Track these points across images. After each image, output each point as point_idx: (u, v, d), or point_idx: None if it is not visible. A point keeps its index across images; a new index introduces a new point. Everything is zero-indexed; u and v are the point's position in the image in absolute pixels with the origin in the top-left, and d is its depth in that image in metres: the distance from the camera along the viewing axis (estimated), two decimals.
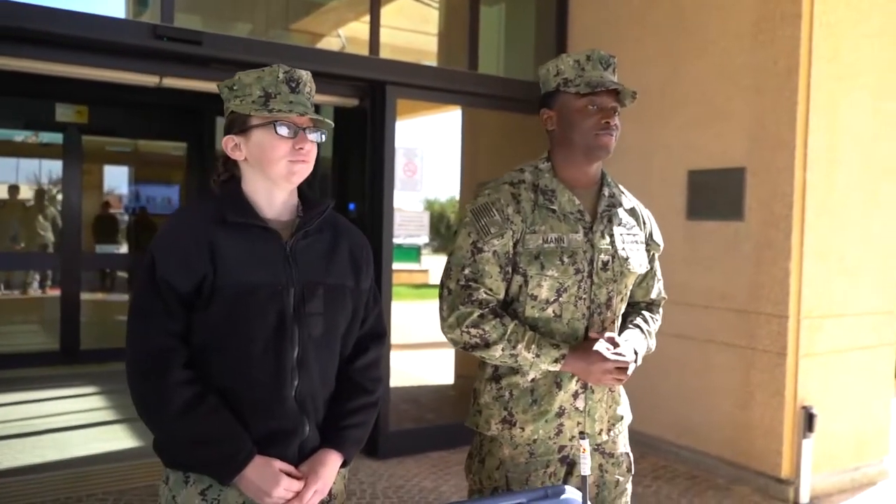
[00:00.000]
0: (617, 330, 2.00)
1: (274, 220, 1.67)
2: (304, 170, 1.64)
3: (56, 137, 7.56)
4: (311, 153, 1.64)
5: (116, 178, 10.12)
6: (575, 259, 1.88)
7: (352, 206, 5.33)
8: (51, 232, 9.43)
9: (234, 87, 1.64)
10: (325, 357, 1.68)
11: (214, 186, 1.74)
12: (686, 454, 4.78)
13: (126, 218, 9.89)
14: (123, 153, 9.52)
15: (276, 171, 1.61)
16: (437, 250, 21.63)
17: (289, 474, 1.59)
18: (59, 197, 8.40)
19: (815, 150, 4.26)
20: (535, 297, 1.89)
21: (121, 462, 4.54)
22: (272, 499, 1.56)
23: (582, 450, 1.57)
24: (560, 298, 1.89)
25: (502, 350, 1.84)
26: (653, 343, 2.07)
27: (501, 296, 1.91)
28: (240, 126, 1.64)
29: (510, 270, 1.89)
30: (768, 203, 4.35)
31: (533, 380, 1.91)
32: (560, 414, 1.91)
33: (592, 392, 1.94)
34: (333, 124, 1.68)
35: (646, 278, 2.12)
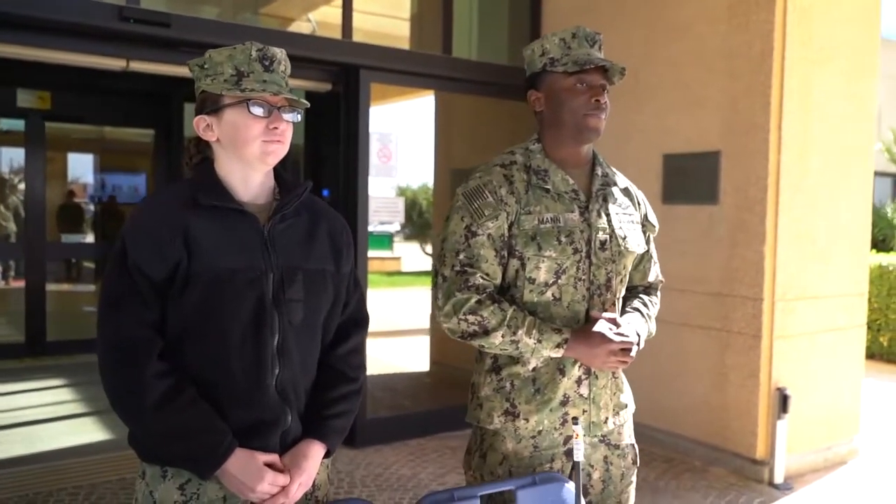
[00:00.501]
0: (618, 313, 1.94)
1: (250, 202, 1.61)
2: (280, 150, 1.59)
3: (17, 124, 7.37)
4: (286, 133, 1.59)
5: (81, 166, 9.89)
6: (572, 238, 1.83)
7: (326, 193, 5.27)
8: (13, 222, 9.21)
9: (205, 66, 1.58)
10: (305, 344, 1.64)
11: (187, 169, 1.68)
12: (662, 437, 4.81)
13: (92, 207, 9.67)
14: (88, 140, 9.30)
15: (249, 151, 1.56)
16: (408, 237, 21.56)
17: (272, 466, 1.55)
18: (22, 186, 8.19)
19: (788, 133, 4.28)
20: (533, 281, 1.83)
21: (92, 455, 4.45)
22: (256, 494, 1.51)
23: (575, 435, 1.54)
24: (559, 280, 1.83)
25: (502, 337, 1.78)
26: (653, 327, 2.02)
27: (498, 281, 1.85)
28: (211, 105, 1.57)
29: (506, 255, 1.84)
30: (743, 187, 4.37)
31: (534, 368, 1.85)
32: (564, 402, 1.85)
33: (597, 378, 1.88)
34: (309, 104, 1.61)
35: (642, 261, 2.08)
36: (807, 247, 4.42)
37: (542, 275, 1.83)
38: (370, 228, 4.81)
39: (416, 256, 18.82)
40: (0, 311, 9.19)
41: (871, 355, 7.49)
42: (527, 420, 1.84)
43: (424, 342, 7.17)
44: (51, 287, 7.68)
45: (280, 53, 1.61)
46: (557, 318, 1.84)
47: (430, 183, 7.74)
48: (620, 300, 1.98)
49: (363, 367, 1.78)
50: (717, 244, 4.50)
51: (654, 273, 2.13)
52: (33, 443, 4.67)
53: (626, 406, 1.98)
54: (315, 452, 1.62)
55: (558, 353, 1.80)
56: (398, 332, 9.11)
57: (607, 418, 1.91)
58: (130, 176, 9.55)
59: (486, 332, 1.78)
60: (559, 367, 1.85)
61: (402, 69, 4.92)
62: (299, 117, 1.63)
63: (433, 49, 5.34)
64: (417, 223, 19.37)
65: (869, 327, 7.47)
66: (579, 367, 1.85)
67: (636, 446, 2.03)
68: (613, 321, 1.84)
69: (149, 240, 1.51)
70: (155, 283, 1.51)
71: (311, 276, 1.63)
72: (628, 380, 2.06)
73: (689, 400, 4.66)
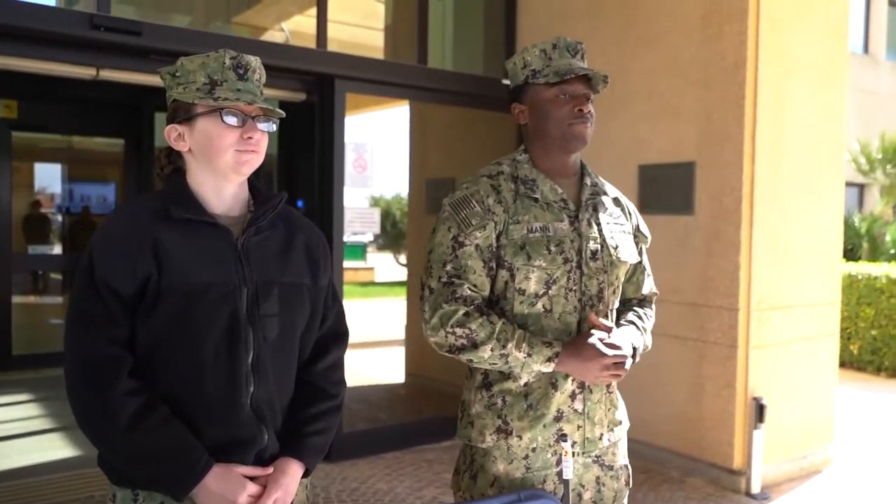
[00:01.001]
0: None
1: (223, 215, 1.57)
2: (254, 160, 1.55)
3: None
4: (260, 143, 1.55)
5: (49, 176, 9.73)
6: (562, 248, 1.79)
7: (300, 204, 5.21)
8: None
9: (177, 74, 1.53)
10: (281, 360, 1.59)
11: (158, 180, 1.63)
12: (640, 448, 4.79)
13: (59, 218, 9.50)
14: (57, 150, 9.14)
15: (222, 161, 1.52)
16: (382, 248, 21.49)
17: (251, 477, 1.51)
18: None
19: (762, 143, 4.31)
20: (523, 292, 1.79)
21: (59, 473, 4.33)
22: None
23: (564, 452, 1.51)
24: (549, 291, 1.79)
25: (491, 350, 1.72)
26: (649, 340, 1.98)
27: (486, 293, 1.81)
28: (183, 114, 1.53)
29: (494, 266, 1.80)
30: (718, 197, 4.39)
31: (526, 384, 1.80)
32: (558, 418, 1.80)
33: (591, 392, 1.83)
34: (284, 114, 1.58)
35: (635, 273, 2.04)
36: (781, 256, 4.46)
37: (533, 285, 1.78)
38: (343, 238, 4.76)
39: (389, 267, 18.77)
40: None
41: (841, 364, 7.58)
42: (520, 437, 1.78)
43: (399, 353, 7.12)
44: (16, 299, 7.51)
45: (255, 62, 1.57)
46: (549, 331, 1.80)
47: (404, 193, 7.70)
48: (614, 312, 1.93)
49: (343, 382, 1.74)
50: (693, 254, 4.52)
51: (648, 286, 2.08)
52: None
53: (620, 423, 1.94)
54: (293, 471, 1.57)
55: (549, 368, 1.75)
56: (372, 344, 9.04)
57: (602, 434, 1.86)
58: (100, 186, 9.41)
59: (475, 346, 1.73)
60: (552, 382, 1.79)
61: (378, 79, 4.89)
62: (274, 127, 1.59)
63: (408, 59, 5.32)
64: (391, 233, 19.32)
65: (839, 336, 7.56)
66: (572, 381, 1.80)
67: (629, 467, 1.98)
68: (609, 330, 1.79)
69: (117, 253, 1.46)
70: (123, 298, 1.46)
71: (287, 290, 1.59)
72: None
73: (666, 410, 4.66)
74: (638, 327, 1.94)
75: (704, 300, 4.46)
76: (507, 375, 1.81)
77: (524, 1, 5.59)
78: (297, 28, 5.79)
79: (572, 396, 1.81)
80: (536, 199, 1.82)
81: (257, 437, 1.54)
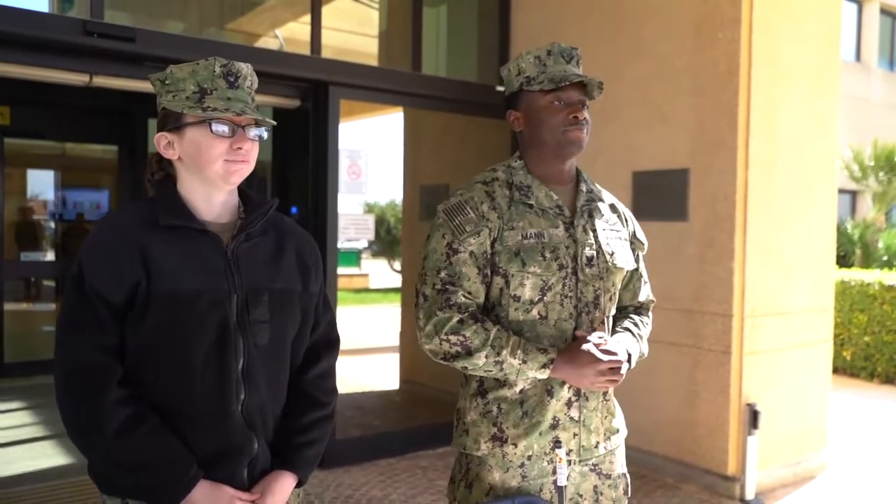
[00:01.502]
0: (608, 332, 1.89)
1: (213, 222, 1.56)
2: (244, 169, 1.54)
3: None
4: (251, 153, 1.53)
5: (42, 183, 9.68)
6: (557, 254, 1.78)
7: (294, 210, 5.20)
8: None
9: (167, 82, 1.52)
10: (273, 368, 1.58)
11: (148, 186, 1.62)
12: (634, 454, 4.76)
13: (52, 225, 9.46)
14: (49, 156, 9.10)
15: (212, 171, 1.51)
16: (376, 254, 21.47)
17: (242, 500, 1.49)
18: None
19: (755, 150, 4.32)
20: (518, 299, 1.78)
21: (50, 481, 4.30)
22: None
23: (559, 459, 1.49)
24: (545, 298, 1.78)
25: (486, 357, 1.71)
26: (645, 347, 1.97)
27: (481, 300, 1.80)
28: (173, 123, 1.52)
29: (489, 273, 1.78)
30: (711, 204, 4.40)
31: (522, 391, 1.78)
32: (554, 425, 1.78)
33: (587, 400, 1.82)
34: (276, 123, 1.56)
35: (632, 280, 2.03)
36: (774, 263, 4.46)
37: (528, 292, 1.77)
38: (337, 245, 4.76)
39: (384, 273, 18.75)
40: None
41: (834, 370, 7.59)
42: (515, 445, 1.77)
43: (394, 360, 7.10)
44: (8, 307, 7.47)
45: (246, 68, 1.56)
46: (544, 337, 1.78)
47: (398, 199, 7.70)
48: (610, 319, 1.92)
49: (335, 391, 1.72)
50: (687, 261, 4.52)
51: (645, 293, 2.07)
52: None
53: (617, 431, 1.92)
54: (285, 483, 1.56)
55: (544, 375, 1.74)
56: (367, 350, 9.03)
57: (598, 443, 1.84)
58: (93, 193, 9.36)
59: (469, 353, 1.71)
60: (547, 389, 1.78)
61: (372, 86, 4.89)
62: (266, 134, 1.58)
63: (402, 66, 5.32)
64: (385, 240, 19.31)
65: (832, 342, 7.58)
66: (568, 388, 1.79)
67: (628, 475, 1.96)
68: (600, 338, 1.78)
69: (106, 261, 1.45)
70: (113, 306, 1.45)
71: (278, 296, 1.58)
72: None
73: (661, 416, 4.66)
74: (634, 334, 1.93)
75: (698, 307, 4.47)
76: (502, 383, 1.79)
77: (518, 8, 5.60)
78: (292, 35, 5.79)
79: (568, 404, 1.80)
80: (531, 206, 1.82)
81: (247, 447, 1.52)
